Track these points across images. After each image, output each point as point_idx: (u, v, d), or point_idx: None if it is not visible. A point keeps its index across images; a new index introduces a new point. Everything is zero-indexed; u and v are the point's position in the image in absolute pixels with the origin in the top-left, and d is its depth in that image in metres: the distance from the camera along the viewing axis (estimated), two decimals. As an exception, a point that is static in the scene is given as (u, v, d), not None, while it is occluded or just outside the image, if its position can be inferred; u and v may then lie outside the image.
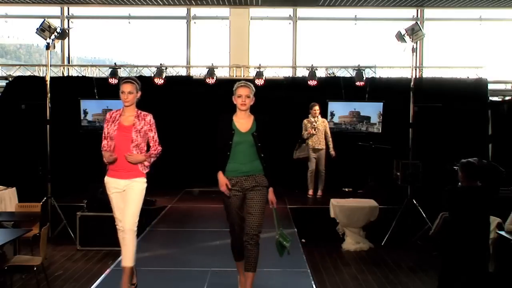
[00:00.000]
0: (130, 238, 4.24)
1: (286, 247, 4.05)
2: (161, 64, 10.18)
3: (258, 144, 4.04)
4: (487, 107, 10.45)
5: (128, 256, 4.24)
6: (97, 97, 9.98)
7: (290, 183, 9.15)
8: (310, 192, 9.15)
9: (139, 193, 4.28)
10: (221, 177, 4.02)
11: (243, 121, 4.10)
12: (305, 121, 8.97)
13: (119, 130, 4.26)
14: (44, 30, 7.79)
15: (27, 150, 9.98)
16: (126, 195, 4.26)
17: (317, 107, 8.93)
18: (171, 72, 10.61)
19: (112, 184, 4.29)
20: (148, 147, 4.35)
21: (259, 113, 4.19)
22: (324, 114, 9.46)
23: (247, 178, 4.03)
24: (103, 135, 4.34)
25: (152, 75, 10.12)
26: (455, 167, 4.56)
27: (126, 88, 4.30)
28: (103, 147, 4.31)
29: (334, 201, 7.58)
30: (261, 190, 4.04)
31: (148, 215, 7.54)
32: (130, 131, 4.25)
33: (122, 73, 10.35)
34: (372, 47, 11.34)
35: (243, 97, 4.06)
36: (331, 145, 8.97)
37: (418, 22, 8.32)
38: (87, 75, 10.75)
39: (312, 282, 4.70)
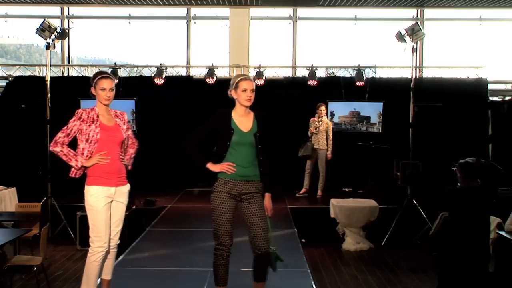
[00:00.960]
0: (115, 252, 4.00)
1: (281, 260, 3.75)
2: (161, 64, 10.18)
3: (259, 146, 3.65)
4: (487, 107, 10.45)
5: (110, 269, 4.00)
6: (97, 97, 9.95)
7: (290, 183, 9.15)
8: (302, 190, 9.13)
9: (126, 205, 3.91)
10: (215, 165, 3.62)
11: (243, 119, 3.67)
12: (311, 119, 9.00)
13: (104, 132, 3.73)
14: (44, 30, 7.77)
15: (27, 150, 9.97)
16: (115, 208, 3.83)
17: (323, 108, 8.94)
18: (171, 72, 10.61)
19: (103, 194, 3.71)
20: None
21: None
22: (324, 114, 9.48)
23: (248, 183, 3.65)
24: (66, 131, 3.74)
25: (152, 75, 10.13)
26: (453, 168, 4.55)
27: (107, 84, 3.78)
28: (56, 138, 3.74)
29: (334, 201, 7.57)
30: (260, 198, 3.70)
31: (148, 215, 7.57)
32: (116, 132, 3.81)
33: (122, 73, 10.37)
34: (372, 47, 11.35)
35: (248, 92, 3.60)
36: (329, 148, 8.93)
37: (418, 22, 8.31)
38: (87, 75, 10.74)
39: (312, 282, 4.69)
